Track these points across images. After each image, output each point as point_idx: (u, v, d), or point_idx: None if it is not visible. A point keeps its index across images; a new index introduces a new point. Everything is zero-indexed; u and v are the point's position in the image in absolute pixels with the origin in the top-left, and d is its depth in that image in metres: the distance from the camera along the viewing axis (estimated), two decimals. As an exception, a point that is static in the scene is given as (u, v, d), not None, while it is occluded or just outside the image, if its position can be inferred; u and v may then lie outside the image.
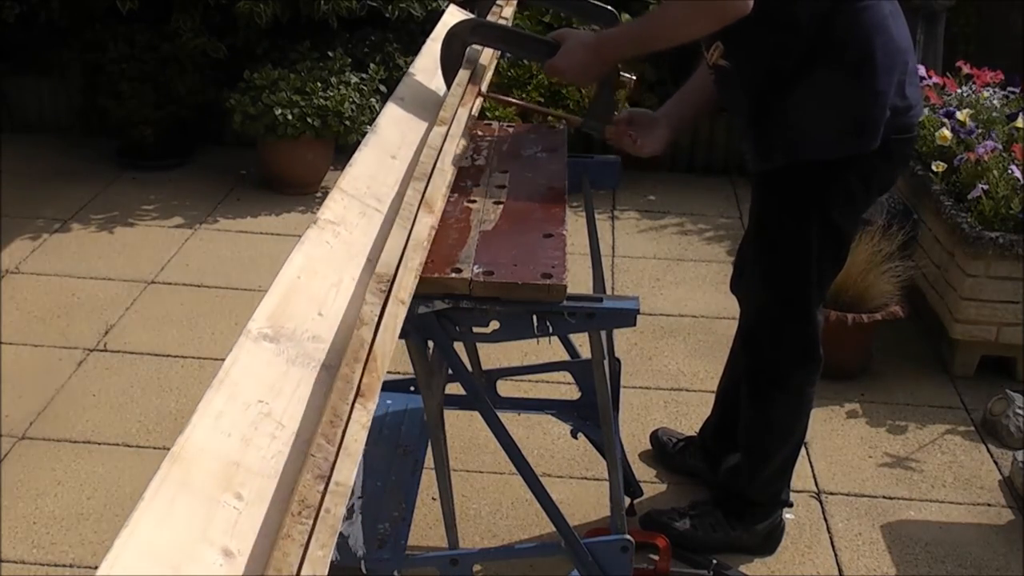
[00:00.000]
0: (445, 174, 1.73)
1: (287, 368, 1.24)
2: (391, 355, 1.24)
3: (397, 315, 1.31)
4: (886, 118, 2.09)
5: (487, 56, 2.23)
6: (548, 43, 2.11)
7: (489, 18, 2.40)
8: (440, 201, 1.76)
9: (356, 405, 1.11)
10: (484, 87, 2.21)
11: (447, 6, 2.78)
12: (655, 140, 2.27)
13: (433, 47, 2.44)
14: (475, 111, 2.16)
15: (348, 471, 1.02)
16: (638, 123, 2.27)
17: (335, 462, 1.03)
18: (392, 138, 1.96)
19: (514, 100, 2.24)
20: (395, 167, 1.87)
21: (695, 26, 2.02)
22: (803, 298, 2.28)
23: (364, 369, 1.17)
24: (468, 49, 2.18)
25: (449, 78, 2.16)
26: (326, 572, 0.91)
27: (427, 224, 1.58)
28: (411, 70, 2.31)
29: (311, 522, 0.94)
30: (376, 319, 1.26)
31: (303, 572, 0.90)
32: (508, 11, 2.47)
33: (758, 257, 2.32)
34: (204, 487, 1.02)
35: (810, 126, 2.12)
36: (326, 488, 1.00)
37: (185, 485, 1.00)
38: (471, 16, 2.41)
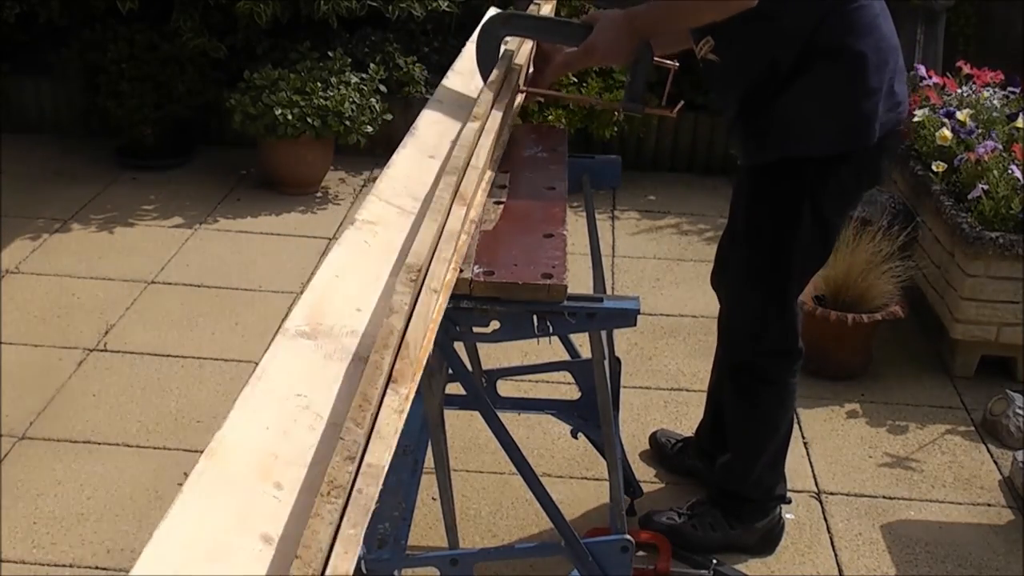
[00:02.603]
0: (479, 169, 1.74)
1: (324, 363, 1.26)
2: (428, 344, 1.27)
3: (430, 304, 1.33)
4: (879, 115, 2.11)
5: (524, 54, 2.24)
6: (581, 26, 2.11)
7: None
8: (480, 195, 1.76)
9: (388, 390, 1.13)
10: (522, 82, 2.22)
11: (486, 8, 2.79)
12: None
13: (472, 48, 2.45)
14: (515, 108, 2.15)
15: (380, 453, 1.04)
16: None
17: (366, 444, 1.04)
18: (430, 139, 1.98)
19: (552, 92, 2.25)
20: (433, 167, 1.89)
21: (708, 12, 2.02)
22: (783, 291, 2.29)
23: (396, 356, 1.18)
24: (505, 45, 2.18)
25: (486, 75, 2.17)
26: (358, 550, 0.92)
27: (459, 217, 1.59)
28: (449, 72, 2.32)
29: (341, 502, 0.96)
30: (406, 307, 1.27)
31: (334, 550, 0.91)
32: (547, 8, 2.48)
33: (744, 249, 2.32)
34: (242, 479, 1.03)
35: (803, 123, 2.13)
36: (358, 469, 1.01)
37: (223, 477, 1.02)
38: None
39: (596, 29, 2.07)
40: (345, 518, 0.94)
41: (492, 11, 2.70)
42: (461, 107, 2.17)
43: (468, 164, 1.70)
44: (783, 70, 2.10)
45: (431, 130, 2.01)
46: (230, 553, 0.95)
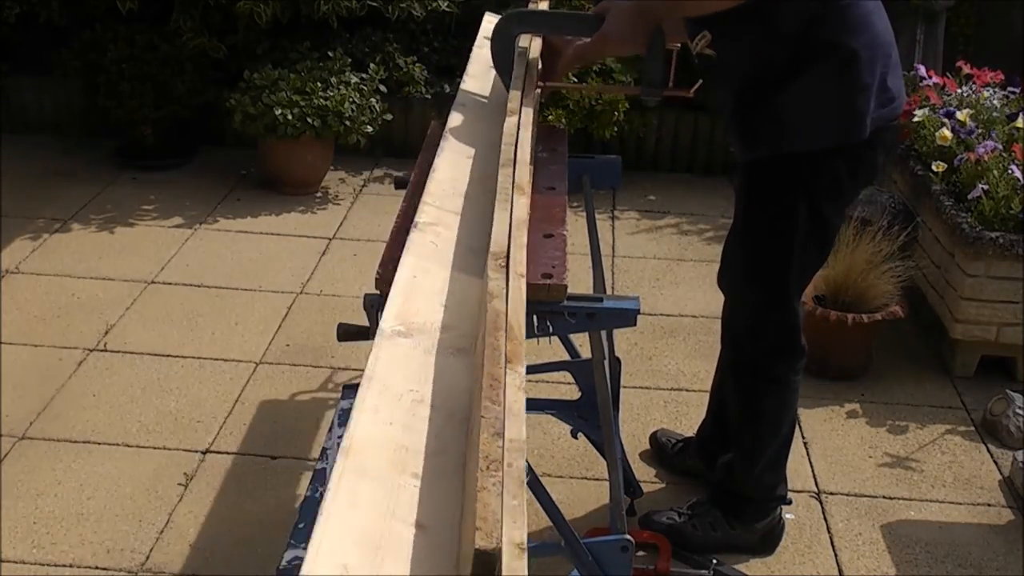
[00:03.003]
0: (525, 162, 1.78)
1: (425, 357, 1.33)
2: (524, 326, 1.31)
3: (521, 288, 1.38)
4: (871, 110, 2.12)
5: (536, 49, 2.26)
6: (592, 17, 2.13)
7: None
8: (527, 186, 1.80)
9: (508, 370, 1.17)
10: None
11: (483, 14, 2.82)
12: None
13: (480, 53, 2.47)
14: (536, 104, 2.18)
15: (518, 429, 1.08)
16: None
17: (504, 421, 1.09)
18: (463, 142, 2.03)
19: (569, 84, 2.27)
20: (473, 166, 1.94)
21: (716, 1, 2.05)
22: (784, 288, 2.29)
23: (506, 337, 1.23)
24: (518, 43, 2.20)
25: (505, 73, 2.19)
26: (525, 520, 0.94)
27: (523, 205, 1.63)
28: (465, 77, 2.35)
29: (500, 475, 0.99)
30: (503, 291, 1.33)
31: (504, 521, 0.93)
32: (543, 4, 2.51)
33: (743, 247, 2.33)
34: (380, 472, 1.10)
35: (796, 119, 2.14)
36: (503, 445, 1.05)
37: (363, 473, 1.08)
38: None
39: (608, 19, 2.10)
40: (505, 491, 0.97)
41: (488, 16, 2.72)
42: (484, 108, 2.19)
43: (516, 157, 1.74)
44: (777, 67, 2.11)
45: (462, 133, 2.05)
46: (391, 541, 1.01)
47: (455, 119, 2.10)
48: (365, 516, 1.03)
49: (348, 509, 1.03)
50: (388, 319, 1.38)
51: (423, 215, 1.69)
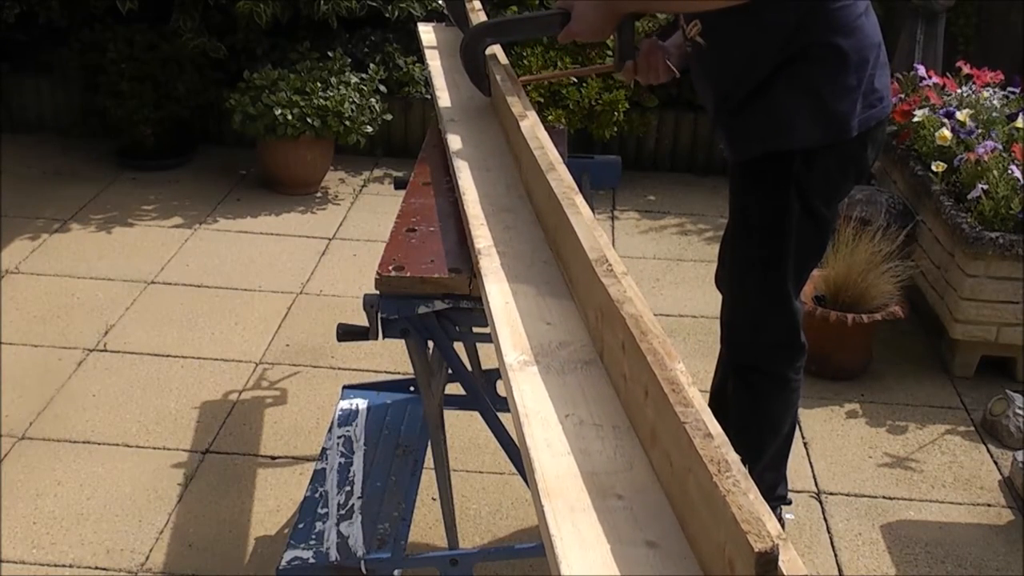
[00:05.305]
0: (560, 161, 1.79)
1: (561, 379, 1.33)
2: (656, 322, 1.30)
3: (633, 286, 1.38)
4: (857, 111, 2.13)
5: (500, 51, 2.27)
6: (558, 14, 2.14)
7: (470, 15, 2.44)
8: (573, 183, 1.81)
9: (678, 368, 1.18)
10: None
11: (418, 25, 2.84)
12: (665, 69, 2.32)
13: (436, 67, 2.47)
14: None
15: (714, 424, 1.10)
16: (648, 52, 2.31)
17: (705, 421, 1.09)
18: (474, 155, 2.02)
19: (547, 75, 2.28)
20: (496, 177, 1.93)
21: (688, 3, 2.07)
22: (783, 286, 2.29)
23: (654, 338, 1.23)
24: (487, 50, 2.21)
25: (481, 84, 2.19)
26: (771, 512, 0.94)
27: (584, 203, 1.63)
28: (436, 94, 2.34)
29: (732, 473, 0.99)
30: (627, 294, 1.33)
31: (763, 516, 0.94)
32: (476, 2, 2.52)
33: (739, 246, 2.33)
34: (586, 503, 1.10)
35: (784, 119, 2.15)
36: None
37: (572, 510, 1.08)
38: (482, 21, 2.44)
39: (575, 17, 2.11)
40: (748, 488, 0.98)
41: (422, 26, 2.74)
42: (472, 118, 2.19)
43: (553, 159, 1.75)
44: (764, 65, 2.11)
45: (469, 149, 2.05)
46: (634, 567, 1.00)
47: (453, 136, 2.10)
48: (596, 547, 1.03)
49: (580, 549, 1.02)
50: (507, 352, 1.37)
51: (479, 240, 1.68)
